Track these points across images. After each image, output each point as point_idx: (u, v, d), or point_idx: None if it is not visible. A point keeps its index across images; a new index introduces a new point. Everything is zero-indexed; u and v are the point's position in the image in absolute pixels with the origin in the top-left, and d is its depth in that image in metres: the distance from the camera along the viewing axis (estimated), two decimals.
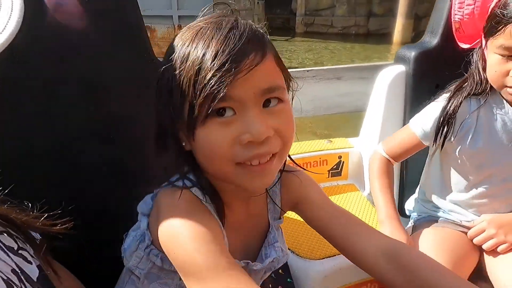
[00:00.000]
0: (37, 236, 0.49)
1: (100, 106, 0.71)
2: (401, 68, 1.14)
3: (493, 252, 0.89)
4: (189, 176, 0.54)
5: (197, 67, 0.45)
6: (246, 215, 0.61)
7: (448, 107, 0.88)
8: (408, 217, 1.14)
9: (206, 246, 0.45)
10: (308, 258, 0.93)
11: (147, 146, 0.69)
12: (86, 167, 0.70)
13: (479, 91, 0.86)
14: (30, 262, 0.44)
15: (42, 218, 0.45)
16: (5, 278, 0.37)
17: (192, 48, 0.46)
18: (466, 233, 0.94)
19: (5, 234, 0.41)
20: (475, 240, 0.90)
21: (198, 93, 0.44)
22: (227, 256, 0.46)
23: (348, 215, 0.62)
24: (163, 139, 0.53)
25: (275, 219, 0.66)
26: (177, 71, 0.47)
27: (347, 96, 3.91)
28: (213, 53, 0.44)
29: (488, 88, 0.86)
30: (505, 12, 0.74)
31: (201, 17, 0.52)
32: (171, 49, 0.50)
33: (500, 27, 0.75)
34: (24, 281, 0.41)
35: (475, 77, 0.87)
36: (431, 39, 1.12)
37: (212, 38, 0.45)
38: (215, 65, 0.43)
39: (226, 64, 0.43)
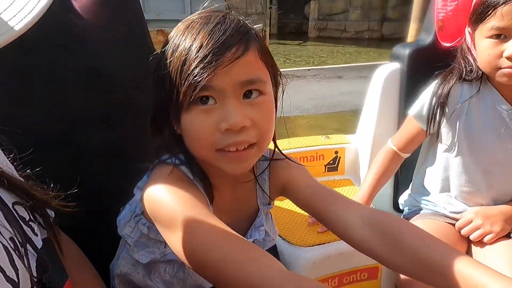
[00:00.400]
0: (52, 213, 0.54)
1: (102, 94, 0.77)
2: (396, 65, 1.17)
3: (480, 242, 0.90)
4: (180, 157, 0.58)
5: (183, 58, 0.49)
6: (233, 199, 0.65)
7: (439, 91, 0.90)
8: (402, 211, 1.16)
9: (190, 202, 0.49)
10: (298, 245, 0.96)
11: (144, 131, 0.75)
12: (89, 149, 0.76)
13: (471, 77, 0.88)
14: (36, 234, 0.49)
15: (59, 198, 0.50)
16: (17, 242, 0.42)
17: (182, 39, 0.51)
18: (454, 224, 0.96)
19: (22, 207, 0.47)
20: (462, 231, 0.92)
21: (183, 81, 0.49)
22: (211, 214, 0.49)
23: (331, 191, 0.63)
24: (158, 123, 0.58)
25: (264, 205, 0.69)
26: (168, 61, 0.52)
27: (347, 94, 3.93)
28: (198, 45, 0.48)
29: (481, 75, 0.88)
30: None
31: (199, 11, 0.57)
32: (167, 41, 0.55)
33: (490, 11, 0.78)
34: (31, 248, 0.46)
35: (463, 64, 0.89)
36: (426, 37, 1.14)
37: (199, 31, 0.50)
38: (198, 57, 0.48)
39: (208, 56, 0.47)
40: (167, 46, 0.54)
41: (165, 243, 0.54)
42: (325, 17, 13.40)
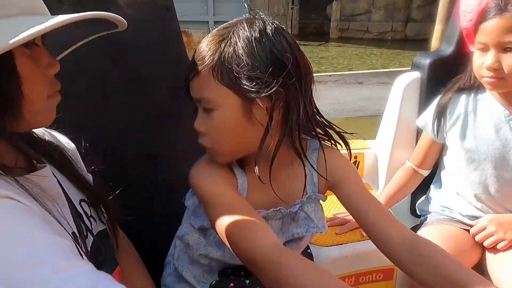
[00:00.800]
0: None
1: (142, 102, 0.85)
2: (416, 74, 1.21)
3: (493, 249, 0.93)
4: None
5: None
6: (281, 179, 0.68)
7: (441, 101, 1.00)
8: (419, 216, 1.20)
9: (223, 185, 0.61)
10: (317, 245, 1.02)
11: (178, 135, 0.83)
12: (129, 151, 0.84)
13: (467, 86, 0.97)
14: (93, 228, 0.57)
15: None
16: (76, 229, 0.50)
17: None
18: (469, 231, 0.99)
19: (86, 203, 0.55)
20: (476, 237, 0.96)
21: None
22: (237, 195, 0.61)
23: (381, 207, 0.69)
24: None
25: (313, 192, 0.73)
26: None
27: (367, 100, 3.95)
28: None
29: (476, 83, 0.96)
30: (482, 14, 0.88)
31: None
32: None
33: (477, 27, 0.89)
34: (90, 236, 0.54)
35: (466, 74, 0.98)
36: (447, 48, 1.17)
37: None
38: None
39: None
40: None
41: None
42: (347, 18, 13.26)
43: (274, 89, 0.55)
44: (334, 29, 13.28)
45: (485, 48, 0.88)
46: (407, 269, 0.62)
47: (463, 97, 0.99)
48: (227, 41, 0.56)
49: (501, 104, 0.93)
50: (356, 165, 1.36)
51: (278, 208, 0.69)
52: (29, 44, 0.42)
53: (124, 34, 0.83)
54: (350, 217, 1.08)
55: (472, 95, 0.97)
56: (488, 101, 0.95)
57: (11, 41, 0.35)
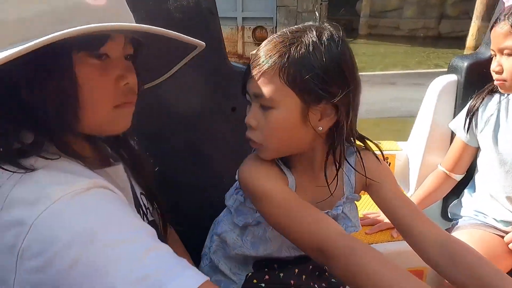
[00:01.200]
0: None
1: (185, 102, 0.90)
2: (453, 77, 1.20)
3: None
4: None
5: None
6: (316, 182, 0.72)
7: (473, 103, 1.03)
8: (451, 220, 1.19)
9: (275, 181, 0.65)
10: None
11: (217, 133, 0.87)
12: (172, 147, 0.89)
13: (497, 89, 0.99)
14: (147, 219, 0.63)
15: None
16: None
17: None
18: (503, 237, 0.98)
19: (144, 196, 0.61)
20: (510, 245, 0.95)
21: None
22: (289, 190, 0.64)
23: (415, 208, 0.71)
24: None
25: (350, 193, 0.76)
26: None
27: (398, 101, 3.90)
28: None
29: None
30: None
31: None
32: None
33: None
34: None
35: None
36: (486, 50, 1.15)
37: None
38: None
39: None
40: None
41: (256, 209, 0.68)
42: (377, 14, 12.95)
43: (338, 98, 0.59)
44: (364, 25, 13.02)
45: (494, 53, 0.97)
46: (441, 269, 0.64)
47: (494, 99, 1.01)
48: (297, 46, 0.59)
49: None
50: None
51: (326, 211, 0.72)
52: (99, 55, 0.45)
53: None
54: (380, 217, 1.09)
55: (503, 97, 0.99)
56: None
57: (29, 44, 0.36)
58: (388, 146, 1.41)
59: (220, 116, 0.94)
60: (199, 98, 0.91)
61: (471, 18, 11.06)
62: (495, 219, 1.03)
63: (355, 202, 0.79)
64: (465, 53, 10.49)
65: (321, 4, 9.74)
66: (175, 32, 0.48)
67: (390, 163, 1.37)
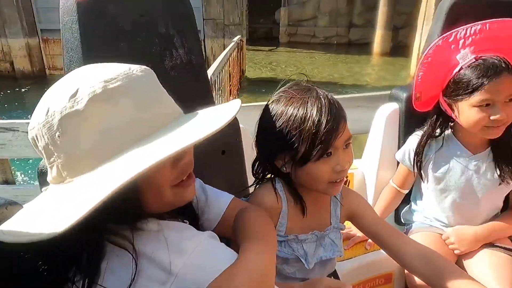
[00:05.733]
0: None
1: None
2: (395, 106, 1.43)
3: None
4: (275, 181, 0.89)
5: (315, 128, 0.75)
6: (312, 214, 0.90)
7: (416, 149, 1.21)
8: (404, 224, 1.42)
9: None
10: None
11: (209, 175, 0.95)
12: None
13: (438, 134, 1.18)
14: None
15: None
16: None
17: (308, 112, 0.76)
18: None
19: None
20: (447, 241, 1.20)
21: (316, 144, 0.75)
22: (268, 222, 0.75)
23: (392, 228, 0.90)
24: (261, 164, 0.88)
25: (336, 223, 0.93)
26: (295, 125, 0.76)
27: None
28: (324, 121, 0.75)
29: (444, 133, 1.17)
30: (473, 79, 1.01)
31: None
32: (275, 108, 0.81)
33: (475, 89, 1.00)
34: None
35: (434, 125, 1.17)
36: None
37: (316, 106, 0.76)
38: (327, 129, 0.75)
39: (332, 129, 0.75)
40: (277, 111, 0.80)
41: None
42: (295, 23, 13.79)
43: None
44: (284, 34, 13.75)
45: (489, 103, 1.02)
46: (425, 278, 0.83)
47: (433, 143, 1.19)
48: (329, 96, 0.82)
49: (464, 147, 1.15)
50: (347, 184, 1.56)
51: (314, 232, 0.90)
52: None
53: None
54: (353, 232, 1.27)
55: (440, 141, 1.18)
56: (456, 146, 1.17)
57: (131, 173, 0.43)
58: None
59: (211, 158, 1.01)
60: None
61: (374, 27, 12.47)
62: (437, 221, 1.27)
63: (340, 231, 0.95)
64: (373, 58, 11.75)
65: (242, 14, 10.04)
66: (222, 124, 0.53)
67: (349, 181, 1.56)
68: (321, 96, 0.79)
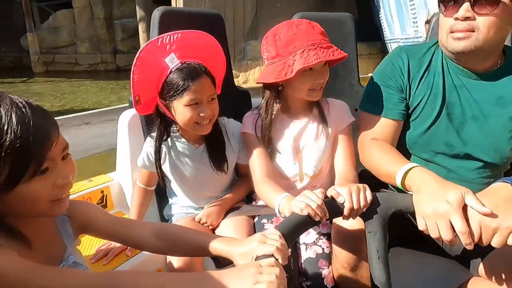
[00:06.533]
0: None
1: None
2: (133, 111, 1.46)
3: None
4: None
5: (20, 141, 0.61)
6: (40, 241, 0.74)
7: (155, 152, 1.28)
8: (167, 220, 1.47)
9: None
10: None
11: None
12: None
13: (165, 138, 1.29)
14: None
15: None
16: None
17: (4, 122, 0.61)
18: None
19: None
20: (200, 222, 1.34)
21: (26, 159, 0.63)
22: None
23: (124, 218, 0.94)
24: None
25: (70, 241, 0.83)
26: None
27: (100, 137, 4.13)
28: (32, 128, 0.63)
29: (170, 133, 1.30)
30: (180, 81, 1.12)
31: None
32: None
33: (184, 90, 1.11)
34: None
35: (161, 129, 1.27)
36: None
37: (23, 115, 0.62)
38: (38, 138, 0.63)
39: (45, 136, 0.65)
40: None
41: None
42: (50, 50, 12.30)
43: None
44: (37, 62, 11.97)
45: (197, 102, 1.15)
46: (164, 250, 0.88)
47: (168, 143, 1.30)
48: None
49: (187, 141, 1.31)
50: (105, 198, 1.47)
51: (62, 265, 0.78)
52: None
53: None
54: (112, 245, 1.21)
55: (168, 141, 1.30)
56: (182, 142, 1.31)
57: None
58: (101, 180, 1.51)
59: None
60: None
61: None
62: (191, 208, 1.39)
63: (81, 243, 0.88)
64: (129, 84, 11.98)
65: None
66: None
67: (106, 195, 1.48)
68: (18, 102, 0.64)
